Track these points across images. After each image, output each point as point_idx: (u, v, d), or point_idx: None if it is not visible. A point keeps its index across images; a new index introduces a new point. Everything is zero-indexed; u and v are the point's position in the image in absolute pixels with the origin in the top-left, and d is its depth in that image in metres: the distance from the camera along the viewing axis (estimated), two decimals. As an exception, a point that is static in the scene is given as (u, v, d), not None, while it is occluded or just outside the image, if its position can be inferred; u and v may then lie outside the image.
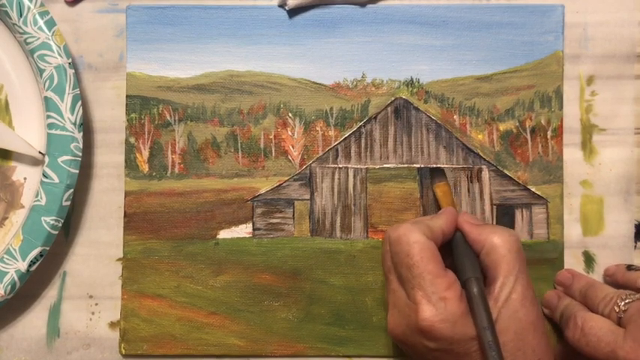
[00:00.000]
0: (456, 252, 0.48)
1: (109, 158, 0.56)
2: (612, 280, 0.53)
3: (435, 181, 0.54)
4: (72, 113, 0.52)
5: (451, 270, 0.47)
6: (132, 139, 0.56)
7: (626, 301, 0.47)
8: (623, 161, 0.55)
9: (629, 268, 0.53)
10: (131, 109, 0.56)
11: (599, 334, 0.46)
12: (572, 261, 0.55)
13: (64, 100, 0.52)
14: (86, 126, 0.56)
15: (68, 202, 0.53)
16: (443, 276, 0.45)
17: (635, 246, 0.55)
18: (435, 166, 0.55)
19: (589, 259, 0.55)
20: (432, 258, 0.45)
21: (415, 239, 0.46)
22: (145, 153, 0.56)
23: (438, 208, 0.54)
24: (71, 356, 0.56)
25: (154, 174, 0.56)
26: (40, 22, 0.52)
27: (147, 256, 0.55)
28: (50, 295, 0.56)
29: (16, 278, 0.52)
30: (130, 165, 0.56)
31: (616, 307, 0.47)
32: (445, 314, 0.44)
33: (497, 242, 0.46)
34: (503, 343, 0.44)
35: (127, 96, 0.56)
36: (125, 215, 0.55)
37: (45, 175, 0.52)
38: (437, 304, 0.44)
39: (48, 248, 0.53)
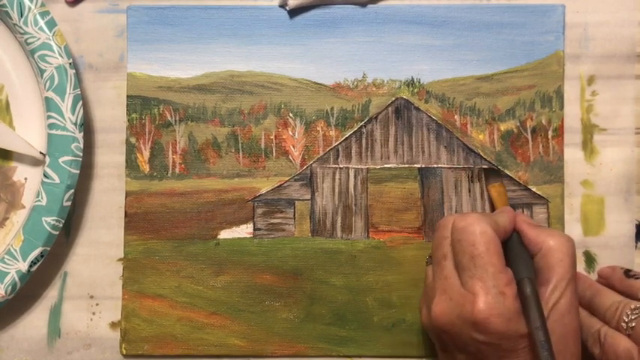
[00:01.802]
0: (511, 252, 0.48)
1: (110, 158, 0.56)
2: (607, 283, 0.52)
3: (490, 182, 0.54)
4: (73, 113, 0.52)
5: None
6: (132, 139, 0.56)
7: (632, 317, 0.47)
8: (623, 161, 0.56)
9: (628, 273, 0.51)
10: (132, 109, 0.56)
11: (617, 351, 0.46)
12: (573, 261, 0.55)
13: (65, 101, 0.52)
14: (87, 126, 0.56)
15: (69, 203, 0.52)
16: (504, 272, 0.45)
17: (636, 246, 0.55)
18: (488, 167, 0.55)
19: (590, 259, 0.55)
20: (496, 252, 0.45)
21: (483, 230, 0.46)
22: (146, 153, 0.56)
23: (438, 206, 0.54)
24: (72, 356, 0.55)
25: (154, 174, 0.56)
26: (41, 23, 0.52)
27: (147, 257, 0.55)
28: (51, 295, 0.56)
29: (16, 279, 0.52)
30: (131, 165, 0.56)
31: (622, 323, 0.47)
32: (502, 309, 0.44)
33: (554, 246, 0.46)
34: None
35: (128, 96, 0.56)
36: (126, 215, 0.55)
37: (46, 176, 0.52)
38: (496, 297, 0.44)
39: (49, 249, 0.53)
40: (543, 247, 0.47)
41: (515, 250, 0.48)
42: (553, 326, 0.45)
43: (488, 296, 0.44)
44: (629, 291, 0.50)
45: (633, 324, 0.46)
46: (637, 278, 0.51)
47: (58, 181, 0.52)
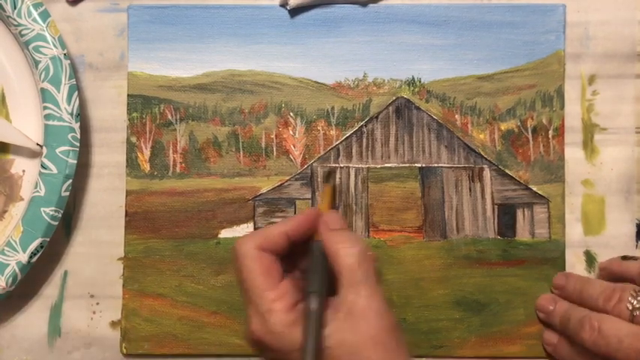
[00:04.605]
0: (309, 262, 0.46)
1: (111, 157, 0.56)
2: (607, 272, 0.53)
3: (324, 183, 0.53)
4: (68, 104, 0.52)
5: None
6: (133, 139, 0.56)
7: (636, 301, 0.47)
8: (624, 160, 0.55)
9: (625, 258, 0.53)
10: (132, 108, 0.56)
11: (620, 335, 0.46)
12: (574, 260, 0.55)
13: (61, 91, 0.52)
14: (87, 125, 0.56)
15: (67, 193, 0.52)
16: (272, 288, 0.44)
17: (637, 245, 0.55)
18: (327, 168, 0.54)
19: (590, 259, 0.55)
20: (260, 271, 0.44)
21: (244, 252, 0.44)
22: (147, 152, 0.56)
23: (439, 206, 0.54)
24: (72, 356, 0.55)
25: (155, 173, 0.56)
26: (35, 14, 0.52)
27: (148, 256, 0.55)
28: (51, 294, 0.56)
29: (17, 270, 0.52)
30: (132, 164, 0.56)
31: (628, 304, 0.47)
32: (270, 326, 0.43)
33: (338, 251, 0.44)
34: (337, 356, 0.42)
35: (129, 95, 0.56)
36: (126, 214, 0.55)
37: (43, 166, 0.52)
38: (263, 316, 0.43)
39: (48, 239, 0.53)
40: (331, 253, 0.45)
41: (312, 259, 0.45)
42: (344, 335, 0.42)
43: (256, 317, 0.43)
44: (628, 271, 0.50)
45: (638, 305, 0.46)
46: (635, 259, 0.52)
47: (55, 171, 0.52)
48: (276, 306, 0.43)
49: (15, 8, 0.52)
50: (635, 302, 0.47)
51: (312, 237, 0.46)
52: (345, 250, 0.44)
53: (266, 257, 0.44)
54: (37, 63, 0.52)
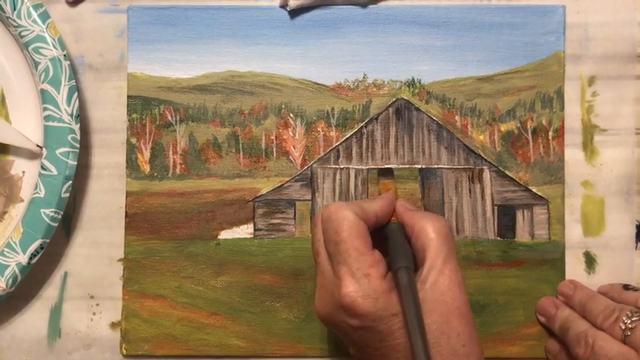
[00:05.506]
0: (390, 241, 0.48)
1: (110, 159, 0.56)
2: (608, 297, 0.52)
3: (381, 179, 0.54)
4: (68, 105, 0.52)
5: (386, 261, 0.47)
6: (133, 140, 0.56)
7: (633, 318, 0.47)
8: (624, 162, 0.56)
9: (626, 287, 0.52)
10: (132, 109, 0.56)
11: (609, 354, 0.46)
12: (574, 262, 0.55)
13: (60, 92, 0.52)
14: (87, 126, 0.56)
15: (67, 194, 0.52)
16: (369, 254, 0.45)
17: (636, 246, 0.55)
18: (384, 167, 0.55)
19: (590, 260, 0.55)
20: (359, 236, 0.45)
21: (344, 216, 0.46)
22: (147, 153, 0.56)
23: (439, 207, 0.55)
24: (72, 357, 0.55)
25: (155, 174, 0.56)
26: (34, 15, 0.52)
27: (148, 257, 0.55)
28: (51, 295, 0.56)
29: (17, 271, 0.52)
30: (131, 165, 0.56)
31: (622, 324, 0.47)
32: (367, 290, 0.44)
33: (425, 226, 0.46)
34: (427, 325, 0.43)
35: (128, 96, 0.56)
36: (126, 216, 0.55)
37: (43, 168, 0.52)
38: (360, 279, 0.44)
39: (48, 240, 0.53)
40: (415, 228, 0.47)
41: (393, 239, 0.47)
42: (433, 305, 0.44)
43: (352, 279, 0.44)
44: (627, 302, 0.50)
45: (631, 326, 0.47)
46: (635, 290, 0.51)
47: (55, 172, 0.52)
48: (373, 271, 0.45)
49: (15, 9, 0.52)
50: (628, 322, 0.47)
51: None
52: (432, 227, 0.46)
53: (363, 226, 0.46)
54: (36, 64, 0.53)
